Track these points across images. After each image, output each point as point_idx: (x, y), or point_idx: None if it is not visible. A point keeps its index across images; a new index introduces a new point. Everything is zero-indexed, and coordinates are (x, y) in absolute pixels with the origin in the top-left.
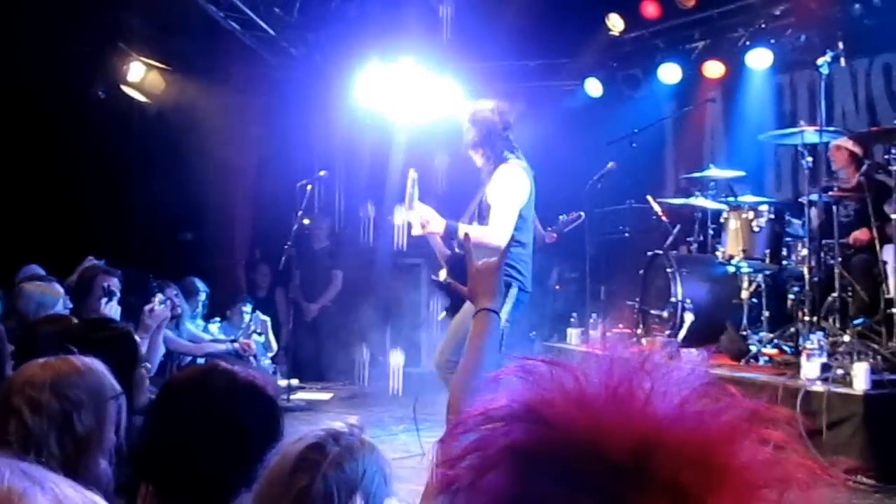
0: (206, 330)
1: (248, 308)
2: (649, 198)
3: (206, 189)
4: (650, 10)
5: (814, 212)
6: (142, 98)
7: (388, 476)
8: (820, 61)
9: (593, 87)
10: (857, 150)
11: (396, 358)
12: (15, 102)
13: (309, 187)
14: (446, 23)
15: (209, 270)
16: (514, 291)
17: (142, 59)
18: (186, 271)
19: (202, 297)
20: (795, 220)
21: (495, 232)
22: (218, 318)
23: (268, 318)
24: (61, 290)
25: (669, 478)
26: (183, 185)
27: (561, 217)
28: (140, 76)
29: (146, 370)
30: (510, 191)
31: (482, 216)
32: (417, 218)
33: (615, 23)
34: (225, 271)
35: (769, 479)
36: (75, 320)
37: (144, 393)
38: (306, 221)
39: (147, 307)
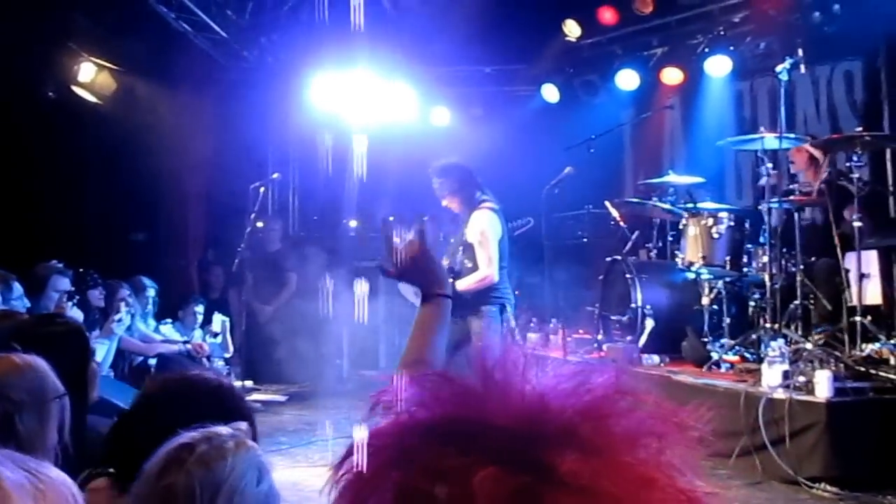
0: (157, 330)
1: (200, 308)
2: (608, 203)
3: (158, 190)
4: (607, 16)
5: (774, 218)
6: (92, 98)
7: (265, 474)
8: (779, 68)
9: (550, 92)
10: (817, 154)
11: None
12: None
13: (262, 189)
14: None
15: (161, 271)
16: (509, 309)
17: (92, 59)
18: (138, 272)
19: (151, 293)
20: (756, 227)
21: (485, 271)
22: (170, 319)
23: (227, 318)
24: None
25: (550, 460)
26: (135, 185)
27: (510, 224)
28: (91, 76)
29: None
30: (487, 232)
31: (466, 252)
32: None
33: (572, 29)
34: (177, 272)
35: (647, 431)
36: (26, 316)
37: (96, 389)
38: (259, 224)
39: (115, 315)
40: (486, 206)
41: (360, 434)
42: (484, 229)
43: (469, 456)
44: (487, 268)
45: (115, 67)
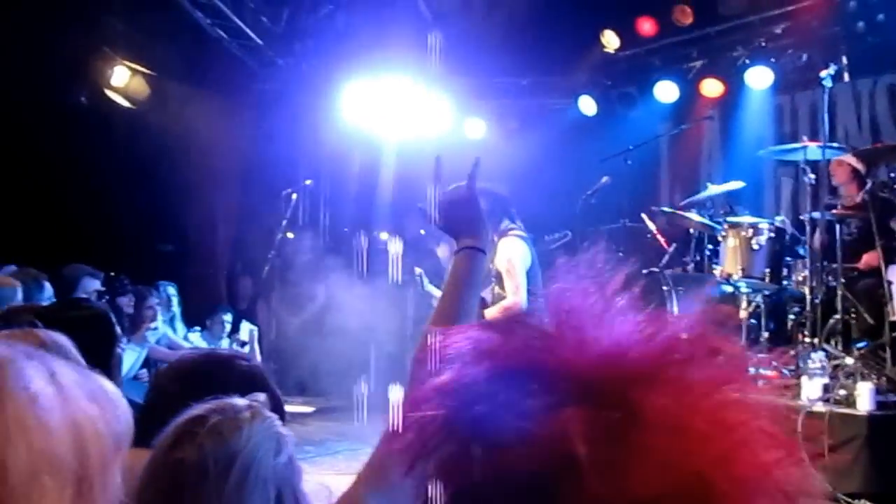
0: (185, 338)
1: (227, 317)
2: (644, 216)
3: (187, 197)
4: (646, 27)
5: (816, 231)
6: (125, 103)
7: (284, 445)
8: (823, 73)
9: (587, 105)
10: (860, 166)
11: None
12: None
13: (294, 196)
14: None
15: (189, 280)
16: None
17: (126, 63)
18: (165, 280)
19: (173, 299)
20: (797, 240)
21: (513, 299)
22: (198, 328)
23: (255, 328)
24: (17, 282)
25: (635, 398)
26: (165, 192)
27: (546, 237)
28: (124, 81)
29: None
30: (515, 260)
31: (492, 280)
32: None
33: (610, 40)
34: (205, 281)
35: (729, 378)
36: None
37: (120, 376)
38: (289, 235)
39: (151, 323)
40: (513, 234)
41: (424, 383)
42: (511, 257)
43: (554, 397)
44: (515, 295)
45: (148, 72)
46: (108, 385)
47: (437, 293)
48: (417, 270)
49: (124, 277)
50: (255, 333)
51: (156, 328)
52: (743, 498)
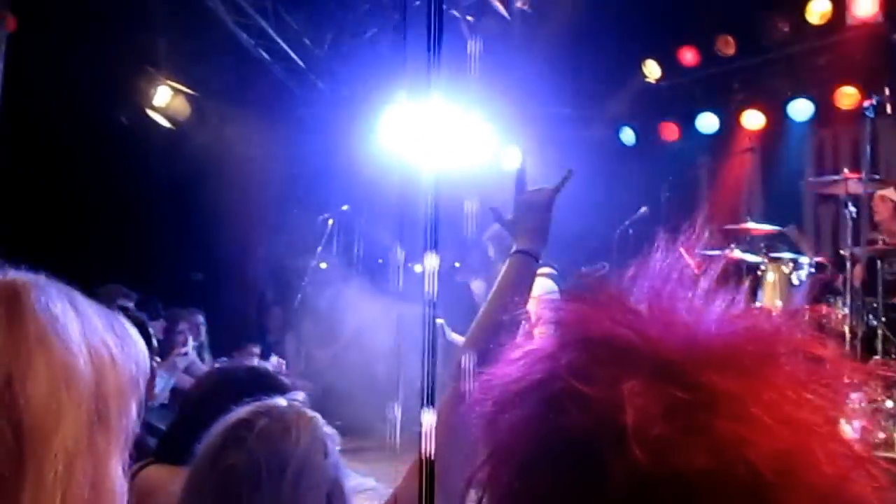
0: None
1: (256, 350)
2: (682, 250)
3: (222, 221)
4: (688, 57)
5: (857, 268)
6: (166, 123)
7: (331, 449)
8: (865, 104)
9: (627, 135)
10: None
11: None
12: (40, 122)
13: (330, 222)
14: (474, 57)
15: (219, 309)
16: None
17: (169, 82)
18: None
19: (202, 329)
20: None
21: None
22: (225, 359)
23: (284, 361)
24: None
25: (708, 382)
26: (199, 216)
27: (583, 269)
28: (166, 100)
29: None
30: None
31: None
32: None
33: (652, 70)
34: (235, 310)
35: (814, 377)
36: None
37: (154, 389)
38: (322, 266)
39: (182, 349)
40: (542, 274)
41: (511, 348)
42: (542, 299)
43: (624, 367)
44: None
45: (190, 92)
46: (125, 322)
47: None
48: (439, 321)
49: (156, 300)
50: (283, 367)
51: (186, 353)
52: (793, 498)
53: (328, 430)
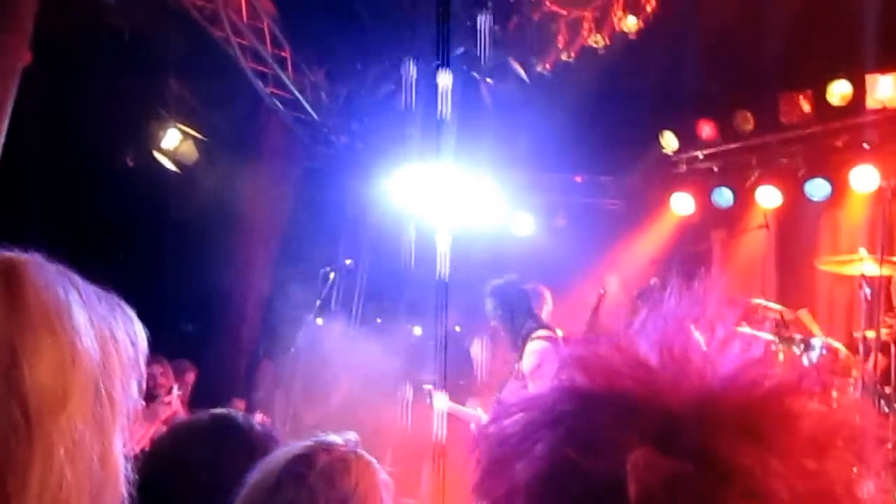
0: None
1: (241, 405)
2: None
3: (219, 269)
4: (706, 130)
5: (873, 355)
6: (172, 167)
7: (385, 495)
8: (883, 183)
9: (641, 205)
10: None
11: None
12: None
13: (332, 275)
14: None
15: (208, 360)
16: None
17: (179, 126)
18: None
19: (190, 379)
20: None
21: None
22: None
23: (269, 420)
24: None
25: (720, 450)
26: (195, 264)
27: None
28: (175, 144)
29: None
30: (545, 367)
31: (518, 379)
32: None
33: (669, 141)
34: (225, 362)
35: (836, 435)
36: None
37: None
38: (319, 321)
39: (167, 398)
40: (541, 337)
41: (514, 396)
42: (541, 362)
43: (627, 431)
44: None
45: (200, 137)
46: (123, 304)
47: (459, 409)
48: (427, 386)
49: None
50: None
51: (170, 402)
52: None
53: (384, 476)
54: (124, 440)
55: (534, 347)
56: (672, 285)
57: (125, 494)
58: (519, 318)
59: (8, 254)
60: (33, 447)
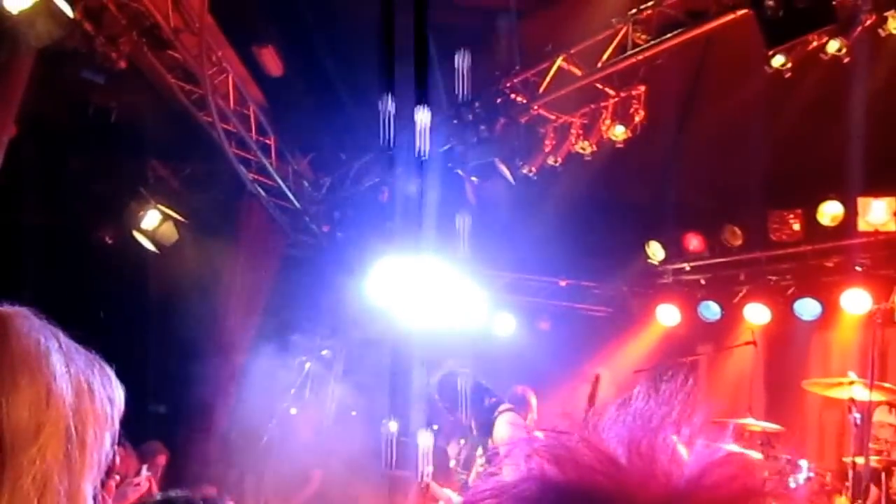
0: None
1: (212, 491)
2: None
3: (192, 352)
4: (694, 243)
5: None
6: (150, 247)
7: None
8: (873, 308)
9: (625, 314)
10: None
11: None
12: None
13: (308, 365)
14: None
15: (178, 442)
16: None
17: (160, 207)
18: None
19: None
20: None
21: None
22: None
23: None
24: None
25: None
26: (169, 345)
27: None
28: (154, 224)
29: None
30: (513, 436)
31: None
32: None
33: (655, 252)
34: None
35: None
36: None
37: None
38: (293, 411)
39: (136, 479)
40: (507, 411)
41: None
42: (509, 433)
43: None
44: None
45: (180, 219)
46: (103, 363)
47: (437, 490)
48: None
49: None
50: None
51: (139, 484)
52: None
53: None
54: (95, 487)
55: (504, 420)
56: (643, 388)
57: None
58: (490, 404)
59: (3, 308)
60: (3, 477)
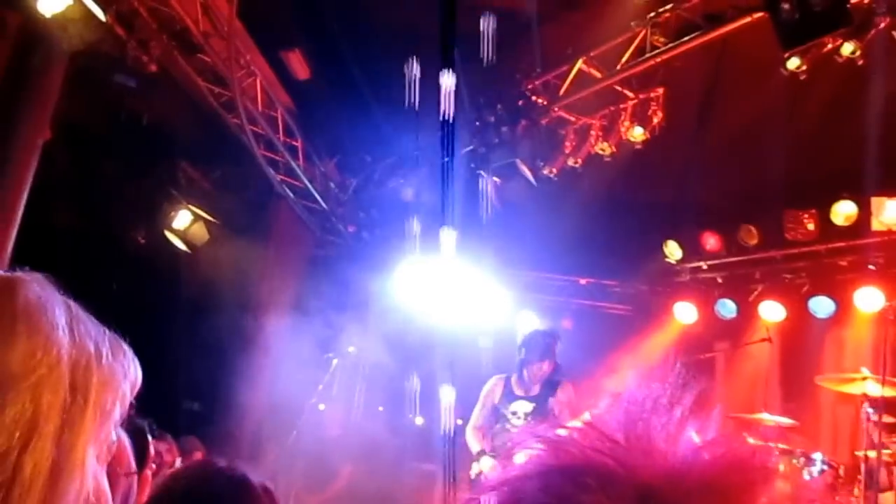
0: None
1: None
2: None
3: (225, 351)
4: (711, 242)
5: (883, 474)
6: (182, 247)
7: None
8: (886, 304)
9: (644, 311)
10: None
11: None
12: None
13: (335, 361)
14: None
15: (210, 439)
16: None
17: (191, 207)
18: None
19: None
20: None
21: None
22: None
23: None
24: None
25: (705, 486)
26: (202, 343)
27: None
28: (186, 225)
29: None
30: (574, 407)
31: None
32: None
33: (673, 251)
34: (226, 442)
35: None
36: None
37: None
38: (321, 407)
39: (170, 471)
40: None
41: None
42: (574, 403)
43: (610, 495)
44: None
45: (211, 219)
46: (119, 339)
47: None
48: None
49: (152, 420)
50: None
51: None
52: None
53: None
54: (99, 451)
55: (570, 389)
56: (638, 378)
57: (91, 495)
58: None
59: (20, 273)
60: None
